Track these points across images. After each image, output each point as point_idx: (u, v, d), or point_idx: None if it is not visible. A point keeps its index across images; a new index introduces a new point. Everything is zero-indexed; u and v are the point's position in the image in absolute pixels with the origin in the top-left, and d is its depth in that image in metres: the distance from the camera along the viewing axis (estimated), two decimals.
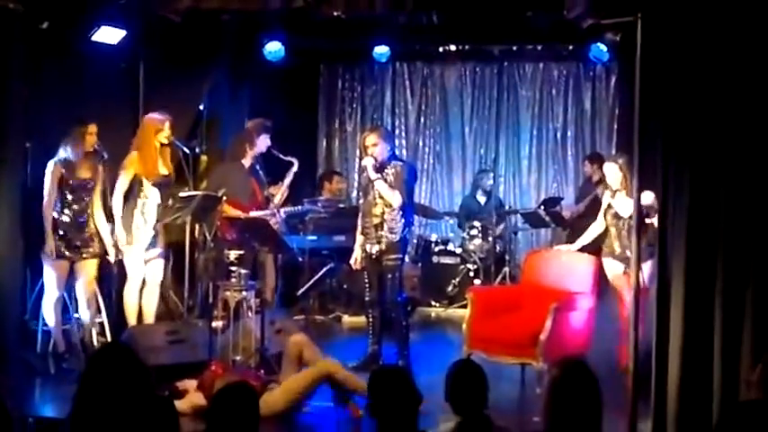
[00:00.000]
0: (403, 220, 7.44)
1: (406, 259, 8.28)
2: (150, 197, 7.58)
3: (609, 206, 7.43)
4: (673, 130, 5.28)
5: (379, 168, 7.41)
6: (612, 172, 7.34)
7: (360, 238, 7.61)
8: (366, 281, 7.61)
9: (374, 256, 7.45)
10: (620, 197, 7.28)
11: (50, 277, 7.25)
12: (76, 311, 7.55)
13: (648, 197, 7.05)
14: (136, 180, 7.55)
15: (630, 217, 6.84)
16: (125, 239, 7.49)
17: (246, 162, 8.23)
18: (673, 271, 5.23)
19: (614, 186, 7.31)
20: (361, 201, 7.75)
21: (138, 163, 7.54)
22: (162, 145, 7.67)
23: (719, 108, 5.03)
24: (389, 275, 7.42)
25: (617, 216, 7.34)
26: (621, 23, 6.82)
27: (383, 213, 7.39)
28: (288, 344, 6.56)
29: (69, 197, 7.28)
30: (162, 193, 7.62)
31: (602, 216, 7.52)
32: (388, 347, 7.59)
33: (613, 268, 7.33)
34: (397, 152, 7.82)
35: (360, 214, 7.67)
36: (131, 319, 7.60)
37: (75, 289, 7.45)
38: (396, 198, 7.34)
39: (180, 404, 5.83)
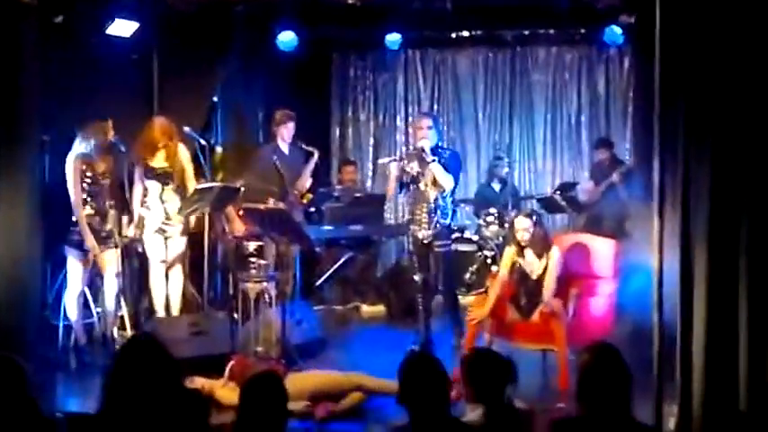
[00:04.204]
0: (452, 206, 7.71)
1: None
2: (150, 188, 7.69)
3: (514, 264, 7.01)
4: (693, 110, 5.24)
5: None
6: (523, 226, 6.96)
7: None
8: (416, 264, 7.71)
9: (426, 242, 7.57)
10: (529, 254, 6.95)
11: (75, 270, 7.31)
12: (97, 305, 7.57)
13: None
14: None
15: (539, 278, 6.85)
16: (136, 231, 7.59)
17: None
18: (695, 253, 5.19)
19: (523, 242, 6.94)
20: (395, 190, 7.96)
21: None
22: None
23: (741, 87, 4.99)
24: (442, 261, 7.62)
25: (524, 276, 6.97)
26: (637, 4, 6.81)
27: (437, 200, 7.53)
28: None
29: (90, 190, 7.30)
30: (162, 184, 7.69)
31: (504, 272, 7.07)
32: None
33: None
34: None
35: (409, 203, 7.82)
36: (159, 308, 7.72)
37: (104, 281, 7.47)
38: (449, 181, 7.50)
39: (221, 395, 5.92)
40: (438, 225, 7.54)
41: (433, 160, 7.46)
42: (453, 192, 7.75)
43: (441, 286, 7.75)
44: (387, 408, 5.85)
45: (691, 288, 5.18)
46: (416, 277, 7.69)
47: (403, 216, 11.26)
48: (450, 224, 7.73)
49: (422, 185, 7.57)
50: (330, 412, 6.02)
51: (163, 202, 7.72)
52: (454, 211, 7.85)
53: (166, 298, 7.83)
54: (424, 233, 7.57)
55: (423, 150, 7.51)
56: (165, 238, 7.77)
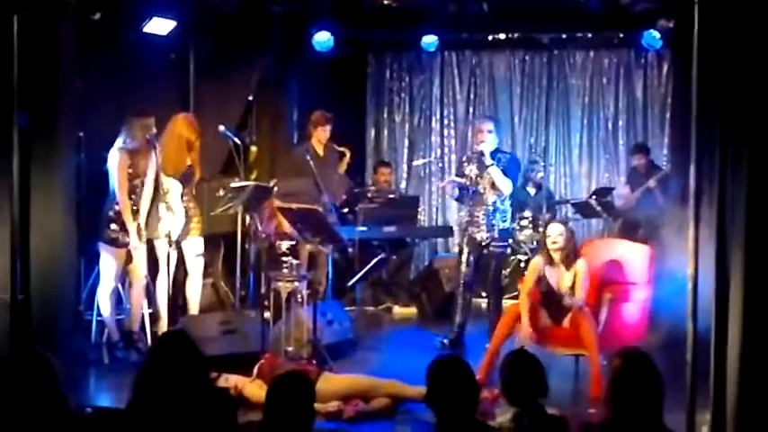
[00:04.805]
0: (511, 209, 7.87)
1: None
2: (172, 188, 7.53)
3: (540, 278, 6.88)
4: (731, 117, 5.17)
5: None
6: (556, 231, 6.83)
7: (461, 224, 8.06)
8: (464, 261, 7.73)
9: (483, 243, 7.68)
10: (556, 267, 6.82)
11: (109, 266, 7.32)
12: (129, 302, 7.60)
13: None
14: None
15: (568, 291, 6.75)
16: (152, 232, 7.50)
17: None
18: (731, 260, 5.12)
19: (552, 248, 6.79)
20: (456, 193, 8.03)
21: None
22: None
23: None
24: (495, 261, 7.73)
25: (549, 290, 6.86)
26: (676, 8, 6.74)
27: (495, 202, 7.67)
28: None
29: (128, 186, 7.29)
30: (184, 184, 7.62)
31: (529, 284, 6.91)
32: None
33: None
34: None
35: (468, 204, 7.82)
36: (161, 309, 7.61)
37: (134, 278, 7.47)
38: (508, 186, 7.64)
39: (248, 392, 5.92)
40: (496, 227, 7.66)
41: (492, 164, 7.57)
42: (512, 195, 7.88)
43: (489, 286, 7.81)
44: (417, 410, 5.84)
45: (726, 295, 5.11)
46: (463, 269, 7.71)
47: (436, 219, 11.30)
48: (509, 227, 7.88)
49: (480, 188, 7.69)
50: (359, 412, 6.01)
51: (183, 202, 7.65)
52: (513, 214, 7.97)
53: (185, 300, 7.79)
54: (482, 235, 7.67)
55: (482, 154, 7.63)
56: (179, 241, 7.60)
